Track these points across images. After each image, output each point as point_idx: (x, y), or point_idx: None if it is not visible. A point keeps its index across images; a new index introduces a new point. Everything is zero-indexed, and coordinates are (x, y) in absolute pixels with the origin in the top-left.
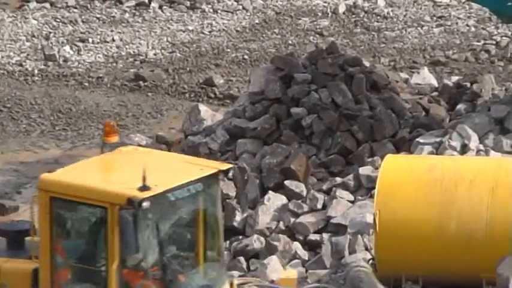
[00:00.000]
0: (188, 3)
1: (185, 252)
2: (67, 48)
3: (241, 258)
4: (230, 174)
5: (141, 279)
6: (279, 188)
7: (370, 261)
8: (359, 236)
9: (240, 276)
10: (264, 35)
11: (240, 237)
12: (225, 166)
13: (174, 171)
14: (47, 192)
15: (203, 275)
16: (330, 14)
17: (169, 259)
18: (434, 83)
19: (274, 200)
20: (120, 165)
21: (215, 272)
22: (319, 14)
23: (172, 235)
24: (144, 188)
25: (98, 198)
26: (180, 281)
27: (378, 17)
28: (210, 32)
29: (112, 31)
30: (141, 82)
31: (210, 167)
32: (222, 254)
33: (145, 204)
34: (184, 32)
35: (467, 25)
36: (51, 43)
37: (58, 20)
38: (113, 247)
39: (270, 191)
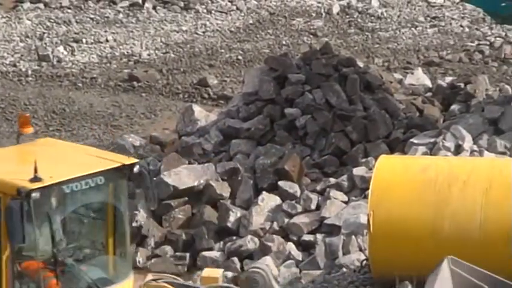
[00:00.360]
0: (182, 4)
1: (84, 244)
2: (61, 48)
3: (235, 259)
4: (136, 169)
5: (39, 271)
6: (273, 189)
7: (364, 261)
8: (353, 236)
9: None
10: (257, 36)
11: (234, 237)
12: (130, 161)
13: (76, 163)
14: None
15: (103, 268)
16: (324, 14)
17: (65, 251)
18: (428, 83)
19: (268, 201)
20: (26, 157)
21: (117, 267)
22: (313, 14)
23: (70, 227)
24: (35, 179)
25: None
26: (77, 273)
27: (372, 18)
28: (203, 32)
29: (106, 31)
30: (134, 82)
31: (114, 161)
32: (127, 249)
33: (34, 195)
34: (178, 32)
35: (461, 26)
36: (45, 43)
37: (52, 21)
38: (5, 237)
39: (263, 192)
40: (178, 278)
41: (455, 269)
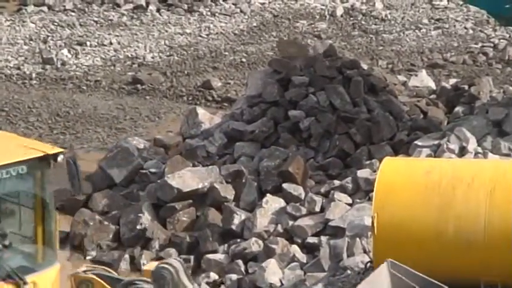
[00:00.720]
0: (186, 7)
1: (7, 232)
2: (65, 51)
3: (240, 261)
4: (60, 159)
5: None
6: (277, 191)
7: (369, 263)
8: (357, 238)
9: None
10: (261, 38)
11: (238, 240)
12: (54, 150)
13: (1, 153)
14: None
15: (26, 256)
16: (328, 16)
17: None
18: (432, 85)
19: (272, 203)
20: None
21: (42, 255)
22: (317, 16)
23: None
24: None
25: None
26: None
27: (376, 20)
28: (207, 35)
29: (110, 34)
30: (138, 85)
31: (38, 150)
32: (52, 237)
33: None
34: (182, 35)
35: (465, 28)
36: (49, 46)
37: (56, 24)
38: None
39: (268, 194)
40: (110, 270)
41: (394, 272)
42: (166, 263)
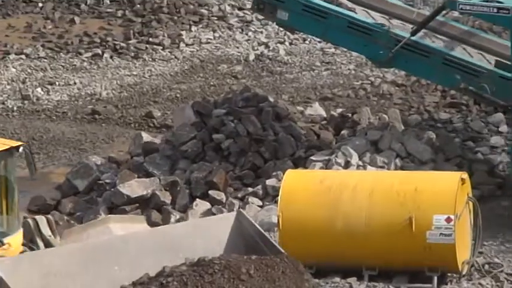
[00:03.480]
0: (132, 54)
1: None
2: (39, 89)
3: None
4: (20, 149)
5: None
6: (205, 196)
7: None
8: (267, 233)
9: None
10: (191, 78)
11: None
12: (17, 144)
13: None
14: None
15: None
16: (243, 61)
17: None
18: (323, 114)
19: (201, 206)
20: None
21: (9, 224)
22: (234, 61)
23: None
24: None
25: None
26: None
27: (280, 63)
28: (149, 76)
29: (74, 76)
30: (96, 115)
31: (5, 144)
32: (15, 210)
33: None
34: (129, 76)
35: (349, 69)
36: (27, 86)
37: (32, 68)
38: None
39: (197, 199)
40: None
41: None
42: (33, 218)
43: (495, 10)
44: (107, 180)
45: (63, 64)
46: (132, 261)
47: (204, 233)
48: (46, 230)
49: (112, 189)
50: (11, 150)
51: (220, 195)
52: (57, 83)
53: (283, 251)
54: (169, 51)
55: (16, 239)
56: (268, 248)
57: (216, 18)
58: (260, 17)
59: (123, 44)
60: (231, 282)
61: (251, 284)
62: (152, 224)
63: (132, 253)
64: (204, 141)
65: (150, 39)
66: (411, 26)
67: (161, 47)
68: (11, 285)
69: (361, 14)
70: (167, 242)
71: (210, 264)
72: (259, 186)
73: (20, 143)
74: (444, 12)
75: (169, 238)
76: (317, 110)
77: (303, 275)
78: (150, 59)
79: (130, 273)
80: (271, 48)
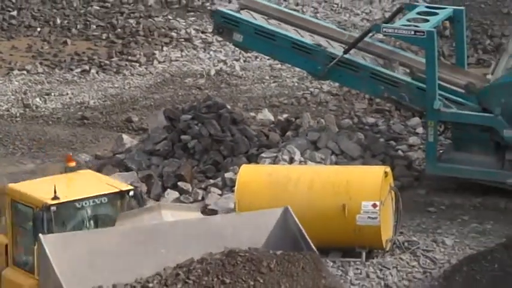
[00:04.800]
0: (114, 70)
1: None
2: (38, 99)
3: None
4: (131, 193)
5: None
6: (174, 187)
7: None
8: None
9: None
10: (163, 89)
11: None
12: (127, 187)
13: (90, 187)
14: (9, 195)
15: None
16: (205, 75)
17: None
18: (272, 118)
19: (171, 195)
20: (64, 181)
21: None
22: (198, 75)
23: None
24: (54, 197)
25: (31, 202)
26: None
27: (236, 77)
28: (128, 87)
29: (66, 88)
30: (85, 120)
31: (115, 187)
32: None
33: (53, 208)
34: (112, 88)
35: (293, 81)
36: (28, 96)
37: (31, 82)
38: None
39: (168, 189)
40: None
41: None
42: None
43: (412, 33)
44: None
45: (57, 78)
46: (179, 246)
47: (249, 225)
48: None
49: None
50: (120, 193)
51: (187, 186)
52: (52, 93)
53: (316, 250)
54: (144, 67)
55: None
56: (305, 245)
57: (183, 40)
58: (219, 38)
59: (106, 62)
60: (250, 274)
61: (269, 277)
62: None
63: (179, 238)
64: (174, 142)
65: (129, 57)
66: (344, 45)
67: (138, 64)
68: (52, 260)
69: (304, 36)
70: (213, 231)
71: (235, 256)
72: (219, 179)
73: (130, 187)
74: (371, 34)
75: (216, 227)
76: (266, 115)
77: (321, 272)
78: (129, 74)
79: (175, 257)
80: (228, 65)
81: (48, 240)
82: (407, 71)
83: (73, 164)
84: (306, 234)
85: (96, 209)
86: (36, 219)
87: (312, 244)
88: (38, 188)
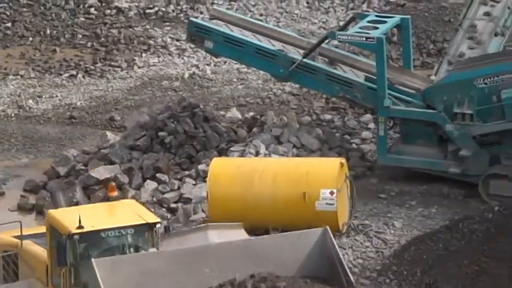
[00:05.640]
0: (99, 74)
1: None
2: (31, 101)
3: None
4: (157, 226)
5: None
6: (153, 178)
7: (206, 218)
8: (199, 204)
9: None
10: (142, 91)
11: None
12: (154, 220)
13: (120, 217)
14: (48, 220)
15: None
16: (180, 78)
17: None
18: (239, 116)
19: (150, 185)
20: (100, 210)
21: None
22: (174, 78)
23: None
24: (79, 227)
25: (60, 228)
26: None
27: (207, 80)
28: (111, 90)
29: (56, 91)
30: (73, 119)
31: (143, 219)
32: None
33: (75, 237)
34: (97, 90)
35: (258, 83)
36: (21, 98)
37: (25, 85)
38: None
39: (147, 180)
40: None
41: None
42: None
43: (364, 39)
44: (82, 167)
45: (48, 82)
46: (223, 266)
47: (290, 245)
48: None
49: (85, 174)
50: (147, 225)
51: (164, 177)
52: (43, 96)
53: (352, 279)
54: (126, 72)
55: None
56: (341, 269)
57: (160, 47)
58: (192, 46)
59: (92, 67)
60: None
61: None
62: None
63: (223, 259)
64: (152, 138)
65: (112, 63)
66: (303, 51)
67: (120, 69)
68: (102, 282)
69: (267, 43)
70: (256, 252)
71: (271, 282)
72: (193, 170)
73: (157, 220)
74: (327, 40)
75: (258, 248)
76: (235, 113)
77: None
78: (112, 78)
79: (218, 276)
80: (200, 69)
81: (99, 264)
82: (360, 73)
83: (115, 193)
84: (342, 257)
85: (122, 239)
86: (61, 245)
87: (347, 270)
88: (72, 215)
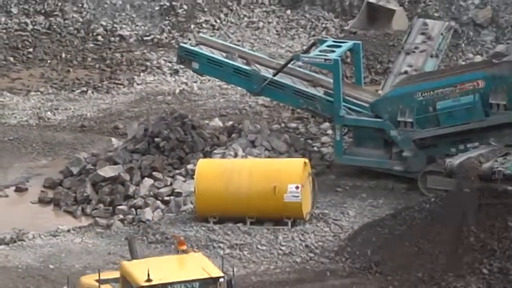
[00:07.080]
0: (105, 90)
1: None
2: (49, 113)
3: (133, 209)
4: (221, 280)
5: None
6: (150, 176)
7: (194, 208)
8: (188, 197)
9: None
10: (141, 104)
11: (133, 199)
12: (218, 274)
13: (186, 271)
14: (120, 271)
15: None
16: (172, 93)
17: None
18: (221, 124)
19: (148, 181)
20: (169, 263)
21: None
22: (167, 94)
23: None
24: (148, 280)
25: (130, 280)
26: None
27: (194, 95)
28: (116, 103)
29: (69, 104)
30: (84, 128)
31: (208, 273)
32: None
33: None
34: (103, 104)
35: (236, 97)
36: (41, 111)
37: (44, 100)
38: None
39: (145, 177)
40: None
41: None
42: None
43: (323, 60)
44: (91, 167)
45: (63, 97)
46: None
47: None
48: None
49: (94, 172)
50: (212, 279)
51: (159, 175)
52: (59, 108)
53: None
54: (127, 88)
55: None
56: None
57: (155, 67)
58: (182, 66)
59: (99, 84)
60: None
61: None
62: (119, 193)
63: None
64: (149, 143)
65: (116, 81)
66: (272, 70)
67: (122, 86)
68: None
69: (244, 65)
70: None
71: None
72: (183, 169)
73: (221, 275)
74: (293, 62)
75: None
76: (217, 122)
77: None
78: (116, 93)
79: None
80: (189, 86)
81: None
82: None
83: (184, 247)
84: None
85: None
86: None
87: None
88: (143, 268)
